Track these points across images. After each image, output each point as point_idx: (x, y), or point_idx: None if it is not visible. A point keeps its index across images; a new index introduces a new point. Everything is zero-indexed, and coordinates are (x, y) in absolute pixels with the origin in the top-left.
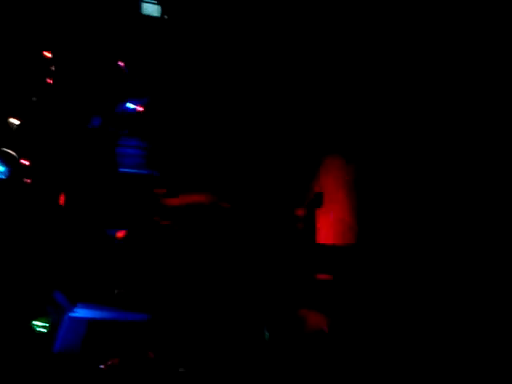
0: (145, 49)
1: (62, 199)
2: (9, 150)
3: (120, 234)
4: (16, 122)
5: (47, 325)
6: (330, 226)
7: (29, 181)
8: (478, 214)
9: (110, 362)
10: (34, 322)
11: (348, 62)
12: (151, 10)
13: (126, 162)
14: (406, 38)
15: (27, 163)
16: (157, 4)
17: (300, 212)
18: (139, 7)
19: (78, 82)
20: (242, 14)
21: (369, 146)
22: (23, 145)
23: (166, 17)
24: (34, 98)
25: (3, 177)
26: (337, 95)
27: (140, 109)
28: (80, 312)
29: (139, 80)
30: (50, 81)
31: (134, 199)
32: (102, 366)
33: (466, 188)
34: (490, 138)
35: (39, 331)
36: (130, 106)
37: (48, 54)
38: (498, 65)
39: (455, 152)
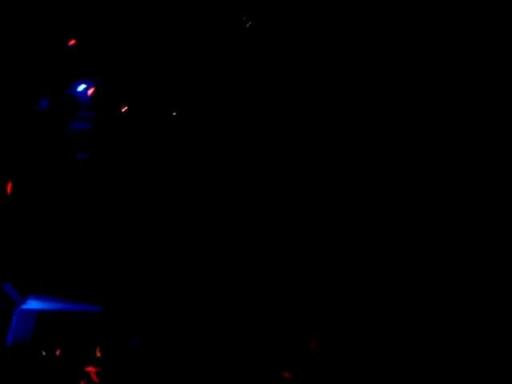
0: (97, 27)
1: (9, 187)
2: None
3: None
4: None
5: None
6: None
7: None
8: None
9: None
10: None
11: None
12: None
13: (76, 144)
14: (402, 45)
15: None
16: None
17: None
18: None
19: (25, 61)
20: None
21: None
22: None
23: None
24: None
25: None
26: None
27: (91, 92)
28: (31, 304)
29: (90, 60)
30: None
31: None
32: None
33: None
34: (488, 141)
35: None
36: (81, 87)
37: None
38: (498, 65)
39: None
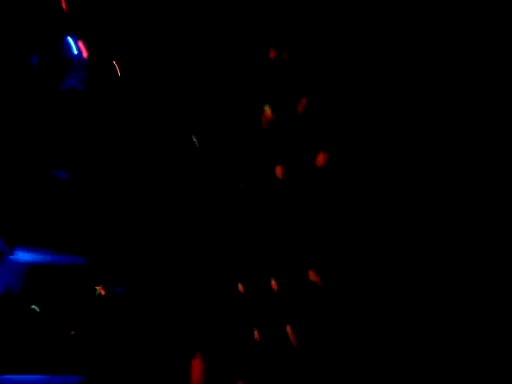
0: None
1: None
2: None
3: None
4: None
5: None
6: None
7: None
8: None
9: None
10: None
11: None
12: None
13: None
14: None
15: None
16: None
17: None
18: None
19: (16, 18)
20: None
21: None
22: None
23: None
24: None
25: None
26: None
27: (81, 45)
28: (19, 255)
29: (81, 16)
30: None
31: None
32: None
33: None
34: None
35: None
36: (72, 44)
37: None
38: (498, 65)
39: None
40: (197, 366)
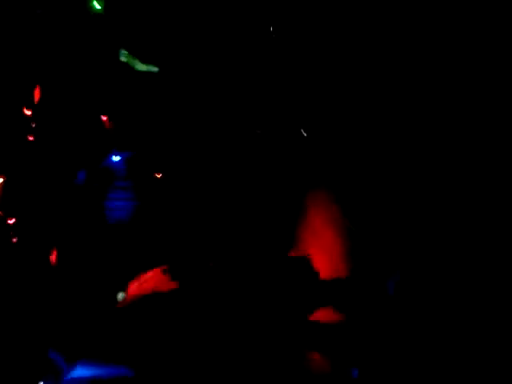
0: (126, 102)
1: (53, 257)
2: None
3: None
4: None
5: None
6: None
7: (15, 240)
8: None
9: None
10: None
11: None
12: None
13: (116, 215)
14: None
15: (11, 222)
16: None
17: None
18: (119, 58)
19: (60, 137)
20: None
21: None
22: (7, 204)
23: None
24: (17, 156)
25: None
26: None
27: (124, 160)
28: (80, 371)
29: (123, 133)
30: (31, 138)
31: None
32: None
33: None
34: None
35: None
36: (116, 158)
37: (28, 112)
38: (497, 65)
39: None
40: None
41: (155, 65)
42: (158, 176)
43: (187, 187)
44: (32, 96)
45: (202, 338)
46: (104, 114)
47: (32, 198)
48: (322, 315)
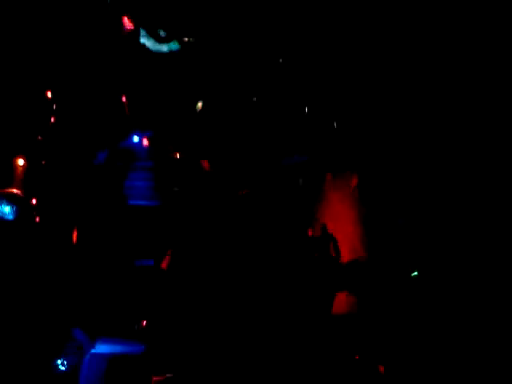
0: (146, 81)
1: (74, 236)
2: (14, 190)
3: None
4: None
5: (68, 363)
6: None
7: (38, 219)
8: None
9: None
10: (56, 362)
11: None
12: (159, 46)
13: (135, 193)
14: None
15: (34, 202)
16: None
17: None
18: (139, 40)
19: (81, 118)
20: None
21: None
22: (30, 184)
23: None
24: (39, 138)
25: (11, 217)
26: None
27: (146, 142)
28: (100, 348)
29: (143, 113)
30: (52, 119)
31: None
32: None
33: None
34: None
35: (61, 370)
36: (135, 138)
37: (49, 94)
38: (497, 65)
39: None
40: None
41: (175, 45)
42: (177, 156)
43: (208, 168)
44: (53, 78)
45: (219, 319)
46: (124, 95)
47: (53, 178)
48: (339, 300)
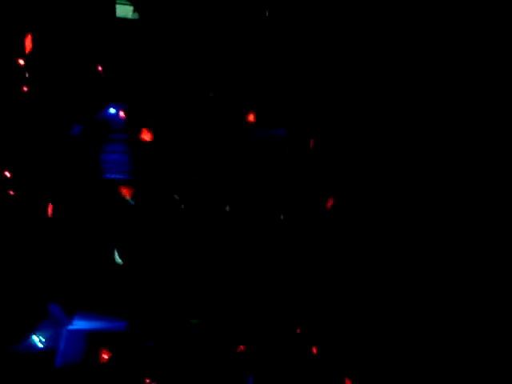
0: (121, 52)
1: (49, 209)
2: None
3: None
4: None
5: (44, 339)
6: None
7: (12, 193)
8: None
9: None
10: (32, 338)
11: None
12: (125, 12)
13: (111, 167)
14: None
15: (8, 175)
16: (130, 5)
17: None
18: (114, 9)
19: (55, 88)
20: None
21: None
22: (3, 156)
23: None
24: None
25: None
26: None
27: (122, 114)
28: (79, 324)
29: (118, 84)
30: (25, 88)
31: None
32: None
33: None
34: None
35: (37, 346)
36: (111, 110)
37: (21, 61)
38: (497, 65)
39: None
40: None
41: (148, 13)
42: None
43: (186, 141)
44: (24, 45)
45: (197, 295)
46: (99, 65)
47: (28, 150)
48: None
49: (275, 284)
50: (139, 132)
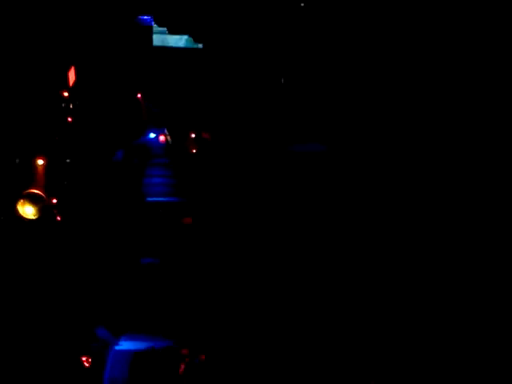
0: (160, 80)
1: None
2: (35, 191)
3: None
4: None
5: (93, 361)
6: None
7: (59, 218)
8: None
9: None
10: (81, 359)
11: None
12: (162, 41)
13: (153, 191)
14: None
15: (55, 201)
16: (166, 33)
17: None
18: (151, 39)
19: (98, 117)
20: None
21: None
22: (51, 184)
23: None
24: (57, 138)
25: (33, 217)
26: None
27: (162, 138)
28: (125, 344)
29: (158, 110)
30: (69, 119)
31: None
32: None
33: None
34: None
35: (86, 367)
36: (152, 135)
37: (65, 93)
38: (497, 65)
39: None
40: None
41: (190, 40)
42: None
43: (222, 164)
44: (67, 78)
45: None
46: (139, 92)
47: (73, 177)
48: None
49: None
50: (180, 156)
